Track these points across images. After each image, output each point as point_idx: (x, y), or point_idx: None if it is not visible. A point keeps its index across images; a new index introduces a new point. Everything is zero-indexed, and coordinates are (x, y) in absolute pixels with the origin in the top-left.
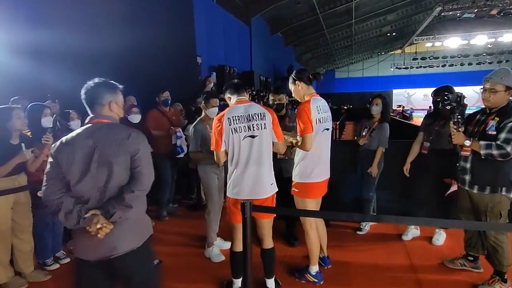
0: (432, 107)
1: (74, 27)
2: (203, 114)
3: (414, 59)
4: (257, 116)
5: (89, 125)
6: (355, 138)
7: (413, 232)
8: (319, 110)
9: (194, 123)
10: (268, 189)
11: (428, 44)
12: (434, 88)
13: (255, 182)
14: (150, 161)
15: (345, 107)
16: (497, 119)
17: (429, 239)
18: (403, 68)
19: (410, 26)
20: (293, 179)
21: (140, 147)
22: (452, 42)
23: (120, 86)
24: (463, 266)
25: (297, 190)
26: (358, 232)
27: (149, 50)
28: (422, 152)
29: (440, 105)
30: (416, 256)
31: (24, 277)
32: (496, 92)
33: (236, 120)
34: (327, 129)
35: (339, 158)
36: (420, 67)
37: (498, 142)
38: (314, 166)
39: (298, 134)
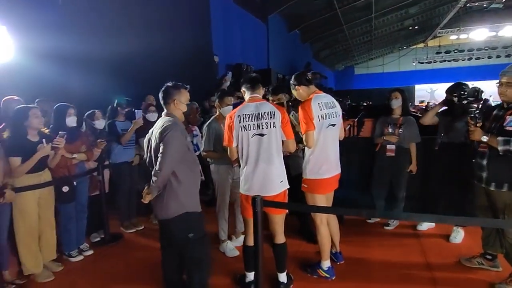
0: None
1: (95, 33)
2: (217, 112)
3: (438, 52)
4: (266, 115)
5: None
6: (374, 136)
7: (427, 224)
8: (321, 107)
9: (208, 121)
10: (278, 186)
11: (453, 37)
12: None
13: (265, 180)
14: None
15: (364, 104)
16: None
17: (446, 237)
18: (426, 62)
19: (433, 19)
20: (303, 175)
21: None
22: (479, 34)
23: (186, 86)
24: (480, 265)
25: (306, 186)
26: (386, 227)
27: (167, 52)
28: (435, 149)
29: (457, 100)
30: (432, 254)
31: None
32: None
33: (246, 118)
34: (333, 125)
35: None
36: (444, 61)
37: None
38: (322, 163)
39: (301, 132)
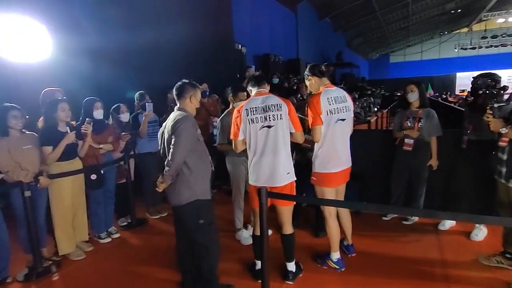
0: (469, 96)
1: (122, 28)
2: (230, 106)
3: (483, 37)
4: (273, 107)
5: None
6: (393, 130)
7: (450, 222)
8: (330, 102)
9: (222, 115)
10: (285, 177)
11: (500, 20)
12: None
13: (271, 171)
14: (179, 142)
15: (398, 94)
16: None
17: (467, 234)
18: (470, 48)
19: (478, 2)
20: (312, 168)
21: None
22: None
23: (200, 86)
24: (499, 264)
25: (315, 179)
26: (404, 222)
27: (190, 43)
28: (462, 147)
29: (482, 92)
30: (449, 251)
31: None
32: None
33: (253, 111)
34: (343, 120)
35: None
36: (491, 46)
37: None
38: (330, 157)
39: (309, 125)
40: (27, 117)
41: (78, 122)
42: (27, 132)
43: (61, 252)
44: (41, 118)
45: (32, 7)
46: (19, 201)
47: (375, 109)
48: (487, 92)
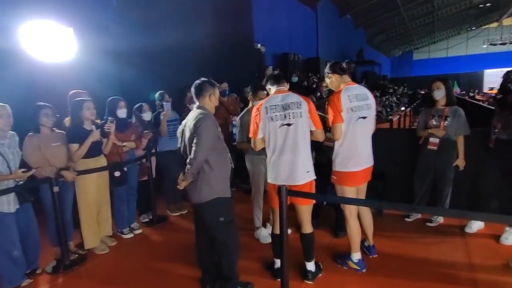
0: (499, 93)
1: (144, 29)
2: (250, 105)
3: None
4: (293, 105)
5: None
6: (418, 129)
7: (478, 224)
8: (351, 99)
9: (241, 114)
10: (304, 176)
11: None
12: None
13: (291, 169)
14: (201, 141)
15: (422, 92)
16: None
17: (497, 237)
18: (500, 43)
19: None
20: (332, 167)
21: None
22: None
23: (221, 85)
24: None
25: (335, 178)
26: (428, 224)
27: (210, 43)
28: (489, 146)
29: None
30: (477, 254)
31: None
32: None
33: (273, 109)
34: (364, 118)
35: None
36: None
37: None
38: (350, 156)
39: (329, 123)
40: (57, 116)
41: (103, 121)
42: (56, 130)
43: (86, 246)
44: (68, 117)
45: (59, 12)
46: (48, 196)
47: (402, 108)
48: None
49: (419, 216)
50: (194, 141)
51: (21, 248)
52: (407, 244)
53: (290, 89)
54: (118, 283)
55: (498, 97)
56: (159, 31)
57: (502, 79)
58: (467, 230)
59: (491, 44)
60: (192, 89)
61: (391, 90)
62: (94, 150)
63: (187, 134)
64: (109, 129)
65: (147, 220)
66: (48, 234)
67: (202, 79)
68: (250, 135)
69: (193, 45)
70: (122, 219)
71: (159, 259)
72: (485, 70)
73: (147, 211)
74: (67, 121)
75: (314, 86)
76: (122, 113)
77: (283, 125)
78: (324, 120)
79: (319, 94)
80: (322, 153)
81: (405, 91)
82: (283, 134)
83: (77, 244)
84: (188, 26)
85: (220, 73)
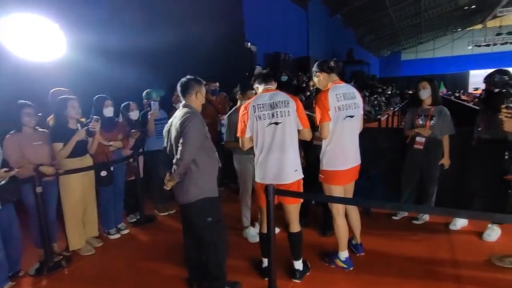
0: (483, 94)
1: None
2: (238, 103)
3: (498, 34)
4: (281, 104)
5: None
6: (404, 128)
7: (462, 222)
8: (339, 98)
9: (229, 113)
10: (292, 175)
11: None
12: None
13: (279, 168)
14: (188, 141)
15: (410, 92)
16: None
17: (479, 234)
18: (484, 45)
19: None
20: (320, 166)
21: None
22: None
23: (204, 82)
24: None
25: (323, 177)
26: (414, 222)
27: (199, 42)
28: (472, 144)
29: (494, 89)
30: (460, 251)
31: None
32: None
33: (261, 107)
34: (351, 117)
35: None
36: (506, 43)
37: None
38: (338, 155)
39: (317, 122)
40: (39, 114)
41: (88, 120)
42: (39, 129)
43: (71, 247)
44: (51, 116)
45: (45, 6)
46: (31, 197)
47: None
48: (504, 90)
49: (406, 214)
50: (181, 140)
51: (3, 250)
52: (393, 242)
53: (279, 88)
54: (104, 285)
55: (482, 97)
56: (149, 30)
57: (485, 83)
58: (452, 227)
59: (475, 45)
60: (178, 87)
61: (380, 90)
62: (80, 150)
63: (173, 133)
64: (93, 128)
65: (134, 220)
66: (31, 235)
67: (188, 76)
68: (238, 134)
69: (183, 44)
70: (108, 220)
71: (146, 260)
72: (470, 71)
73: (135, 211)
74: (50, 119)
75: (304, 85)
76: (108, 111)
77: (270, 123)
78: (312, 120)
79: (308, 93)
80: (310, 152)
81: (394, 90)
82: (271, 133)
83: (62, 246)
84: (179, 25)
85: (210, 72)
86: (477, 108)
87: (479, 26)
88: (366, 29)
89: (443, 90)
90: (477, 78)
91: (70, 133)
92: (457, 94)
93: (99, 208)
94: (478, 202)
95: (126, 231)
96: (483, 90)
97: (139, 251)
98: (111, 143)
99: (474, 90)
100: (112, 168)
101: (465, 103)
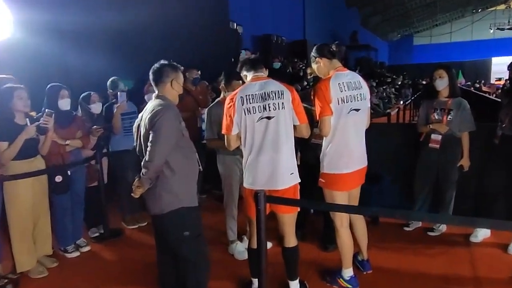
0: (507, 84)
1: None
2: (221, 95)
3: None
4: (273, 94)
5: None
6: (418, 124)
7: (484, 232)
8: (342, 88)
9: (210, 105)
10: (288, 179)
11: None
12: None
13: (272, 171)
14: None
15: (424, 82)
16: None
17: (504, 246)
18: (508, 28)
19: None
20: (320, 168)
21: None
22: None
23: (181, 67)
24: None
25: (324, 181)
26: (430, 233)
27: (176, 23)
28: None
29: None
30: (483, 267)
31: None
32: None
33: (250, 99)
34: (357, 110)
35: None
36: None
37: None
38: (341, 155)
39: (316, 116)
40: None
41: (40, 113)
42: None
43: (19, 268)
44: None
45: None
46: None
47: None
48: None
49: (420, 224)
50: (150, 138)
51: None
52: (405, 257)
53: (271, 76)
54: None
55: (506, 88)
56: (116, 6)
57: (509, 71)
58: (472, 239)
59: (498, 28)
60: (151, 75)
61: (389, 80)
62: (29, 150)
63: (143, 130)
64: (46, 123)
65: (97, 234)
66: None
67: (162, 61)
68: (223, 131)
69: (155, 23)
70: (65, 234)
71: (111, 282)
72: (492, 58)
73: (97, 224)
74: None
75: (301, 73)
76: (64, 104)
77: (262, 118)
78: (310, 113)
79: (305, 83)
80: (308, 152)
81: (405, 80)
82: (262, 129)
83: (8, 267)
84: (152, 2)
85: (188, 57)
86: (500, 101)
87: (502, 6)
88: (372, 9)
89: (461, 80)
90: (500, 67)
91: (17, 130)
92: (477, 85)
93: (54, 221)
94: (503, 209)
95: (87, 248)
96: (506, 80)
97: (102, 272)
98: (67, 142)
99: (496, 80)
100: (69, 172)
101: (486, 95)
